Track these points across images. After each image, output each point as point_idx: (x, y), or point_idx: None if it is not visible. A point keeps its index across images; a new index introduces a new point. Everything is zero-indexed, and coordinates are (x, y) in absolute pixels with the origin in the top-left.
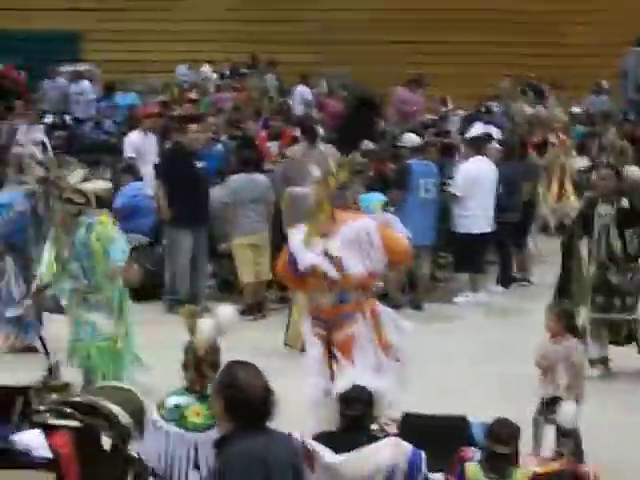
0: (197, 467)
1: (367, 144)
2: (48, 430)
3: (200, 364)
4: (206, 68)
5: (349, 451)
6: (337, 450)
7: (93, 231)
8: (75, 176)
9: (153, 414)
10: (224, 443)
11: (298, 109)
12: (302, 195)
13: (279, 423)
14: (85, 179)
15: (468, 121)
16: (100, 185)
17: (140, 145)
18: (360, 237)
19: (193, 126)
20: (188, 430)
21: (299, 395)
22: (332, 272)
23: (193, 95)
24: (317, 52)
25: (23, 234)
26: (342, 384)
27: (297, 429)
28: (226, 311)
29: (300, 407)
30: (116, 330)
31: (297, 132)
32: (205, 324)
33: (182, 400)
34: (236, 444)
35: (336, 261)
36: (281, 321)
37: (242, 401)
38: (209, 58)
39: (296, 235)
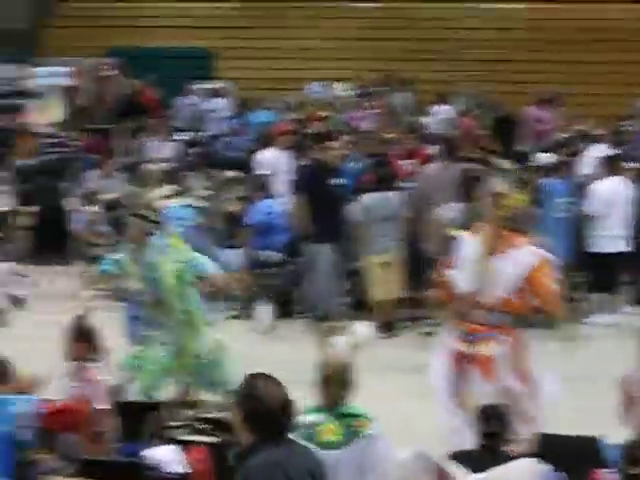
0: None
1: (501, 163)
2: (184, 446)
3: (333, 382)
4: (339, 86)
5: (484, 470)
6: (472, 469)
7: (165, 253)
8: (156, 192)
9: None
10: (245, 455)
11: (436, 127)
12: (448, 219)
13: (408, 442)
14: (169, 196)
15: (586, 141)
16: (180, 201)
17: (274, 162)
18: (520, 265)
19: (334, 143)
20: (321, 448)
21: (428, 414)
22: (458, 289)
23: (323, 113)
24: (451, 70)
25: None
26: (477, 400)
27: (427, 448)
28: (363, 328)
29: (429, 426)
30: (187, 348)
31: (432, 150)
32: (339, 342)
33: (316, 418)
34: (257, 456)
35: (487, 282)
36: (412, 339)
37: (262, 412)
38: (342, 76)
39: (465, 245)
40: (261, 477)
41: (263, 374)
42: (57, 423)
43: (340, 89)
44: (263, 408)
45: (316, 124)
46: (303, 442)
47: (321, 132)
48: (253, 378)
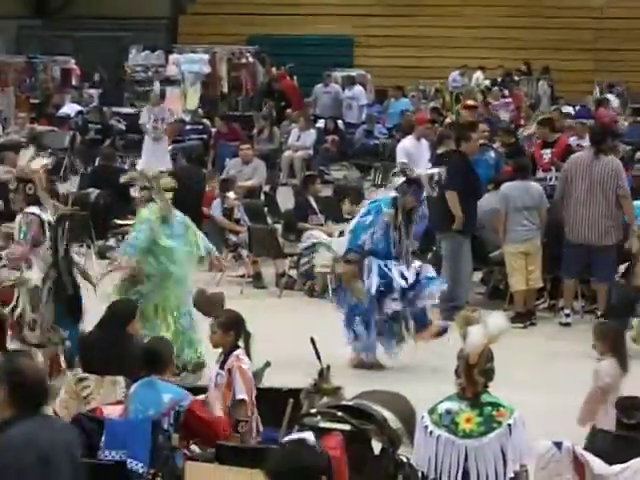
0: (466, 474)
1: None
2: (319, 433)
3: (471, 371)
4: (478, 74)
5: (623, 462)
6: (610, 461)
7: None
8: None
9: (425, 419)
10: (3, 429)
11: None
12: None
13: (545, 434)
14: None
15: None
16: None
17: (413, 151)
18: None
19: (474, 134)
20: (459, 436)
21: (556, 405)
22: None
23: (470, 102)
24: (589, 59)
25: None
26: None
27: (565, 439)
28: (497, 319)
29: (557, 416)
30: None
31: (573, 140)
32: (474, 332)
33: (454, 406)
34: (12, 429)
35: None
36: (550, 329)
37: (26, 387)
38: (481, 64)
39: None
40: (12, 450)
41: (20, 353)
42: (197, 426)
43: (480, 77)
44: (26, 382)
45: (464, 113)
46: (440, 429)
47: (463, 122)
48: (14, 356)
